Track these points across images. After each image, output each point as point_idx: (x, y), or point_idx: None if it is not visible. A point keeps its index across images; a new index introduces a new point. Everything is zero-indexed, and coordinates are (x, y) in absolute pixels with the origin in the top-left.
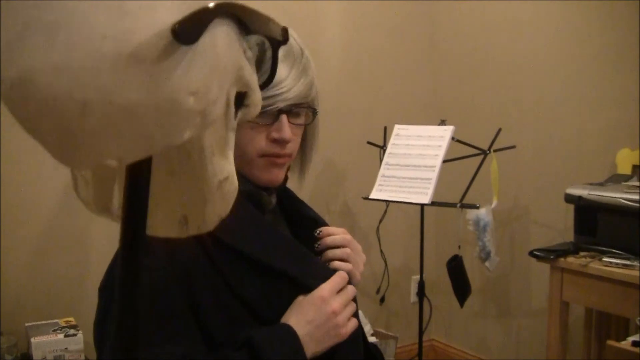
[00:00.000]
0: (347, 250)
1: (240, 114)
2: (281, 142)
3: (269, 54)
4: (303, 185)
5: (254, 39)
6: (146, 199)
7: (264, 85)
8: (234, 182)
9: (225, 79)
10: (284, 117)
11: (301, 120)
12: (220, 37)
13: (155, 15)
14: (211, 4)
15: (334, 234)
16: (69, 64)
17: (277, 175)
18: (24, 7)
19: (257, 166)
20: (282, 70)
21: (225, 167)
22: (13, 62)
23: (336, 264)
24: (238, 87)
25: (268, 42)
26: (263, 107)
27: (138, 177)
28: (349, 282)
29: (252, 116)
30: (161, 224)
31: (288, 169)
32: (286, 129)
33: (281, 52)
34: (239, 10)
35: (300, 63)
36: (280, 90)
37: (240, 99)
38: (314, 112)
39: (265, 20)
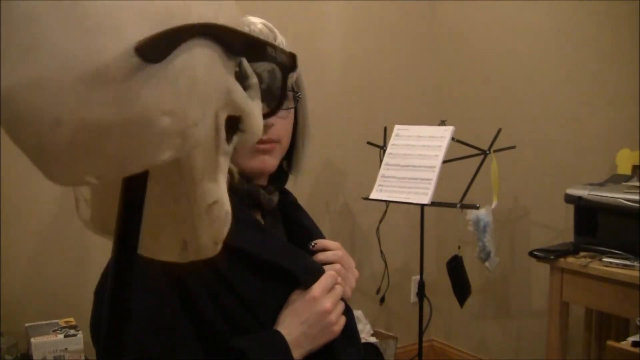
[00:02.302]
0: (337, 266)
1: (236, 139)
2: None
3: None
4: (298, 179)
5: (265, 66)
6: (139, 217)
7: (272, 111)
8: (225, 207)
9: (208, 102)
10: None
11: (284, 104)
12: (199, 58)
13: (124, 35)
14: (181, 25)
15: (328, 247)
16: (41, 82)
17: (264, 162)
18: (6, 23)
19: (243, 154)
20: None
21: (214, 192)
22: None
23: None
24: (229, 110)
25: (277, 67)
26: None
27: (132, 196)
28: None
29: (250, 142)
30: (163, 248)
31: (285, 163)
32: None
33: None
34: (222, 33)
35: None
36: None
37: (235, 124)
38: (297, 96)
39: (260, 44)
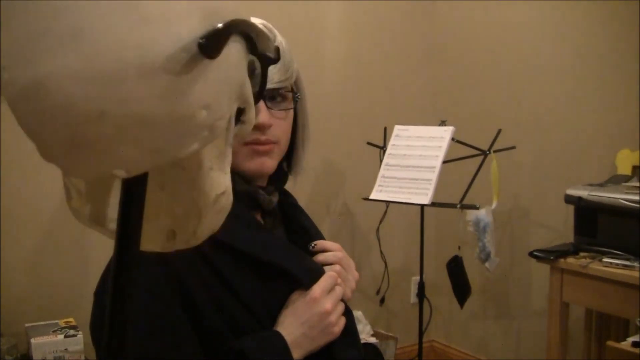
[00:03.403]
0: (336, 267)
1: (236, 129)
2: (261, 128)
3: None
4: (298, 179)
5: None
6: (141, 213)
7: (257, 99)
8: (230, 197)
9: (231, 95)
10: (260, 102)
11: (283, 105)
12: (234, 53)
13: (175, 27)
14: (230, 20)
15: (328, 249)
16: (89, 72)
17: (262, 163)
18: (41, 9)
19: (242, 155)
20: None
21: (223, 182)
22: (26, 65)
23: None
24: (239, 103)
25: (259, 59)
26: None
27: (133, 191)
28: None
29: (247, 132)
30: (147, 237)
31: (285, 163)
32: (263, 113)
33: None
34: (251, 29)
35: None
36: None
37: (238, 115)
38: (296, 97)
39: (267, 39)
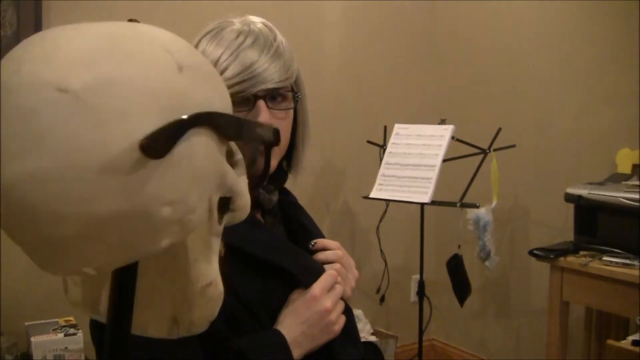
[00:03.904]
0: (336, 265)
1: (226, 218)
2: None
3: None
4: (298, 179)
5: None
6: (132, 301)
7: (258, 183)
8: (219, 287)
9: (205, 188)
10: (260, 102)
11: (283, 105)
12: (199, 147)
13: (129, 126)
14: (185, 116)
15: (328, 247)
16: (45, 174)
17: (263, 163)
18: (10, 112)
19: (243, 156)
20: (251, 55)
21: (209, 272)
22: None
23: None
24: (221, 192)
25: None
26: (238, 92)
27: (123, 281)
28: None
29: (240, 219)
30: (152, 323)
31: (285, 163)
32: (264, 113)
33: (250, 38)
34: (219, 120)
35: (272, 47)
36: (250, 75)
37: (226, 204)
38: (296, 97)
39: (251, 126)
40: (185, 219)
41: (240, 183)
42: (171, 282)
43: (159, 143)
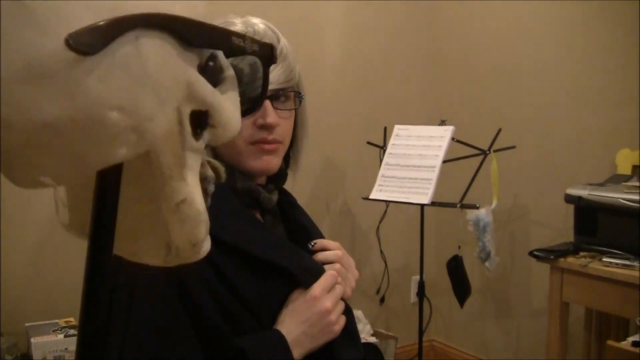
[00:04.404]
0: (336, 266)
1: (207, 134)
2: (268, 128)
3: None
4: (298, 179)
5: (248, 59)
6: (113, 215)
7: (255, 103)
8: (194, 205)
9: (165, 95)
10: (267, 102)
11: (287, 105)
12: (148, 50)
13: (62, 29)
14: (119, 16)
15: (328, 247)
16: None
17: (269, 162)
18: None
19: (248, 155)
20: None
21: (182, 189)
22: None
23: None
24: (193, 105)
25: (259, 60)
26: (245, 94)
27: (103, 199)
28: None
29: (224, 137)
30: (147, 251)
31: (286, 162)
32: (271, 114)
33: None
34: (173, 23)
35: (277, 49)
36: (257, 76)
37: (204, 119)
38: (300, 97)
39: (225, 34)
40: (141, 126)
41: (219, 97)
42: (155, 204)
43: (88, 38)
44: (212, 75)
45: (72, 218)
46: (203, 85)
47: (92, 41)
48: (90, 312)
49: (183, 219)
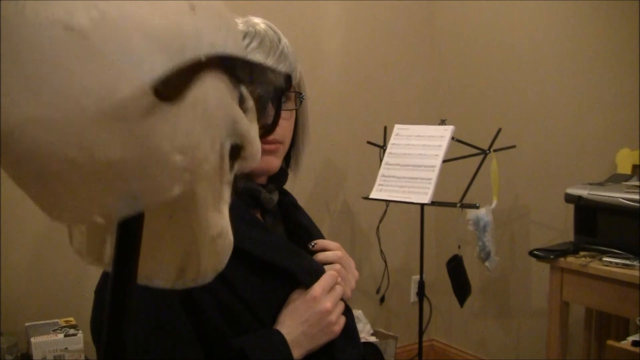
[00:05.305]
0: (337, 266)
1: (237, 166)
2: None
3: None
4: (298, 179)
5: (261, 87)
6: (137, 249)
7: (268, 130)
8: (228, 237)
9: (217, 134)
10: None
11: (288, 105)
12: (211, 91)
13: (140, 70)
14: (200, 58)
15: (328, 248)
16: (51, 119)
17: (269, 162)
18: (9, 59)
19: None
20: (258, 58)
21: (219, 222)
22: None
23: None
24: (233, 139)
25: (273, 89)
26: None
27: (129, 228)
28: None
29: (249, 168)
30: (157, 273)
31: (287, 162)
32: (271, 114)
33: (255, 41)
34: (233, 63)
35: (277, 49)
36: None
37: (237, 151)
38: (300, 97)
39: (264, 70)
40: (197, 166)
41: (252, 130)
42: (180, 231)
43: (174, 86)
44: (240, 107)
45: (89, 245)
46: (244, 120)
47: (176, 88)
48: (115, 336)
49: (217, 250)
